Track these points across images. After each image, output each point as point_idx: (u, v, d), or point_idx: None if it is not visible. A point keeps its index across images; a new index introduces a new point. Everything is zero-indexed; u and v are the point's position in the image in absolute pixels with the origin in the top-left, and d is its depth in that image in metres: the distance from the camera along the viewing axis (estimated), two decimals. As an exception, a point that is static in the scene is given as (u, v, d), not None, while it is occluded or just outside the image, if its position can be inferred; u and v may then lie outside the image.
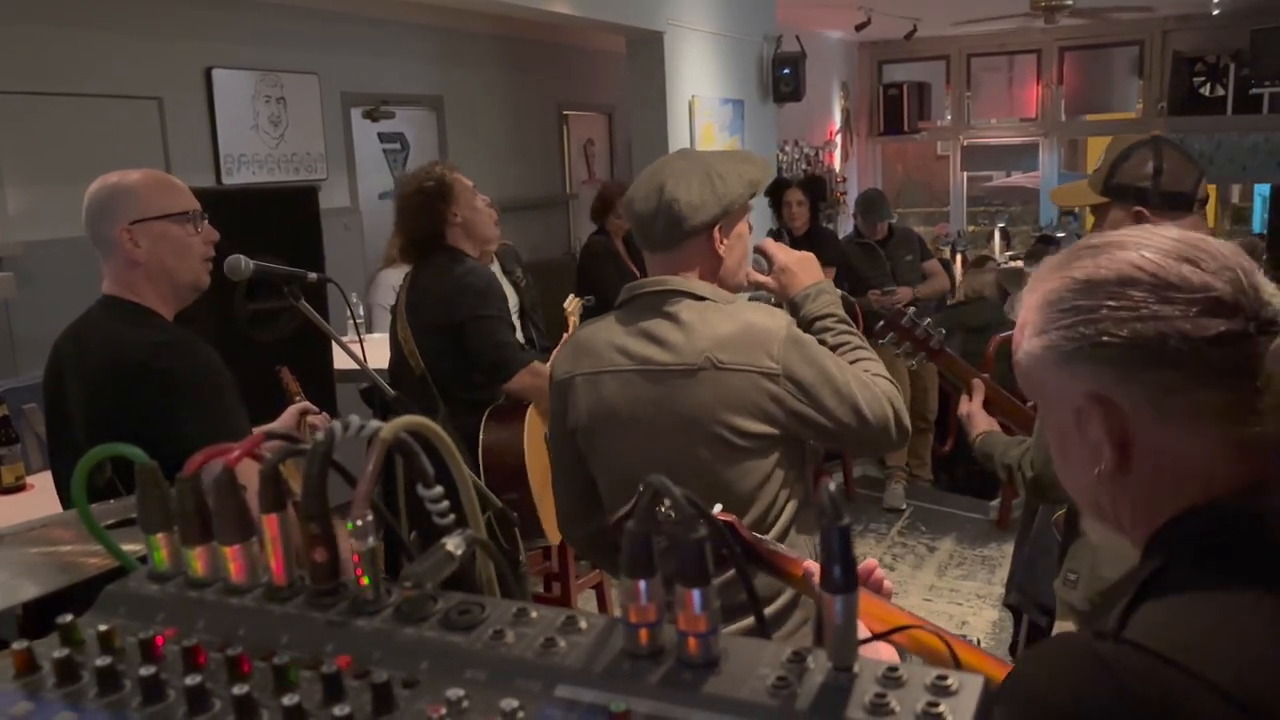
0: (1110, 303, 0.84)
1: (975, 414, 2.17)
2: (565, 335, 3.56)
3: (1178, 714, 0.75)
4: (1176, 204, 1.92)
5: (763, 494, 1.76)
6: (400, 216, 3.11)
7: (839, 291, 1.99)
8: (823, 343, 1.83)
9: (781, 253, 1.96)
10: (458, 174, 3.09)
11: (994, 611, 4.28)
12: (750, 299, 1.87)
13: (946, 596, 4.50)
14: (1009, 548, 4.32)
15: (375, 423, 0.76)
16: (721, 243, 1.80)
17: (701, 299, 1.77)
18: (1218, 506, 0.84)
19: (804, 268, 1.95)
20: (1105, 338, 0.84)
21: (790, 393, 1.72)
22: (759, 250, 1.97)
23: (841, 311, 1.94)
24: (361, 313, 4.53)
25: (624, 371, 1.78)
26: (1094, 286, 0.86)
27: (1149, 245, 0.86)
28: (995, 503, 5.31)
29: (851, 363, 1.83)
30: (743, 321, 1.75)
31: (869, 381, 1.78)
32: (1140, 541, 0.89)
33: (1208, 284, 0.82)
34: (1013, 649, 3.24)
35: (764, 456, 1.75)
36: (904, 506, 5.51)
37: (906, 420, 1.82)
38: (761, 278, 1.97)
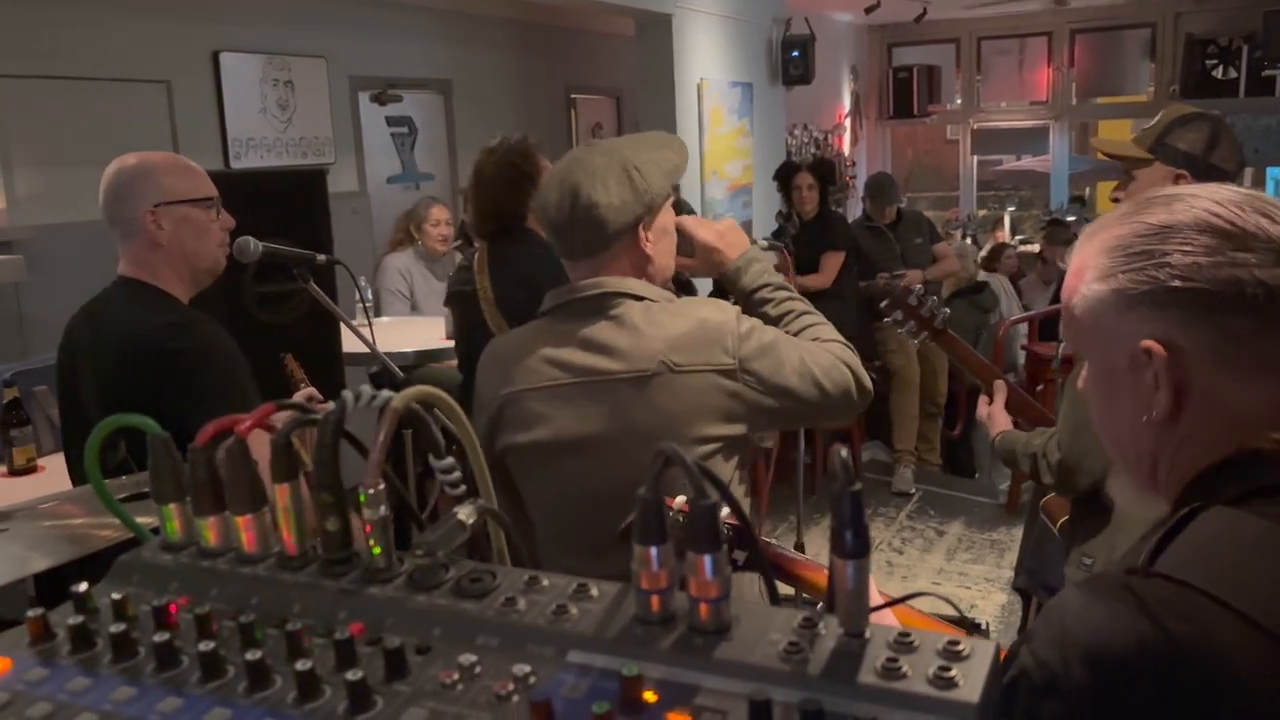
0: (1185, 247, 0.83)
1: (996, 414, 2.20)
2: None
3: (1207, 642, 0.74)
4: (1216, 181, 1.97)
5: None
6: (485, 188, 2.92)
7: (764, 253, 1.86)
8: (765, 315, 1.74)
9: (701, 229, 1.82)
10: (542, 155, 2.93)
11: (1003, 595, 4.28)
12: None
13: (955, 580, 4.50)
14: (1018, 531, 4.31)
15: (387, 392, 0.76)
16: (648, 240, 1.65)
17: (642, 299, 1.63)
18: (1255, 453, 0.83)
19: (728, 240, 1.81)
20: (1177, 282, 0.83)
21: (749, 385, 1.61)
22: (676, 229, 1.78)
23: (776, 276, 1.82)
24: (370, 296, 4.53)
25: (564, 386, 1.62)
26: (1168, 231, 0.85)
27: (1222, 196, 0.86)
28: (1004, 486, 5.30)
29: (799, 331, 1.73)
30: (694, 318, 1.62)
31: (821, 350, 1.68)
32: (1173, 493, 0.89)
33: None
34: (1022, 632, 3.24)
35: (726, 460, 1.64)
36: (913, 490, 5.50)
37: (866, 380, 1.70)
38: (685, 261, 1.84)
